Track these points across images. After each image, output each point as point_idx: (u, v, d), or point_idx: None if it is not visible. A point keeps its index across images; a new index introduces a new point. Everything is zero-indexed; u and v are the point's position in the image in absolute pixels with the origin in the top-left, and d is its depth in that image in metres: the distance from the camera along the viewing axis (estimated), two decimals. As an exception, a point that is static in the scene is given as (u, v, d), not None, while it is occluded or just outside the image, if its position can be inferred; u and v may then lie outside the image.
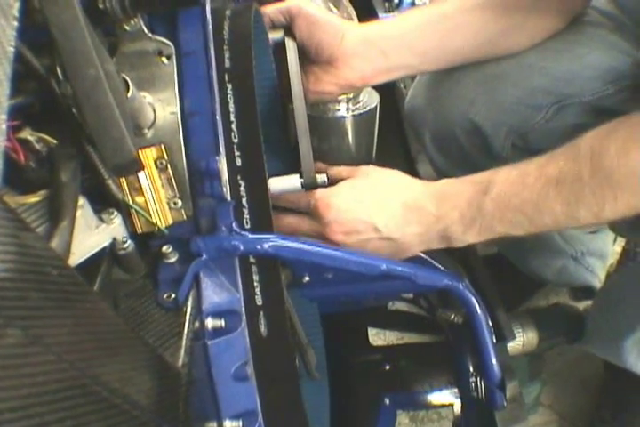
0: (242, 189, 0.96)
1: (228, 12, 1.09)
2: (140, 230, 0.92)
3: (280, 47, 1.26)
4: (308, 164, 1.14)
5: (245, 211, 0.96)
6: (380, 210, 1.13)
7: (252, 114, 1.00)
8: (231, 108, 0.99)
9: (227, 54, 1.03)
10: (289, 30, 1.26)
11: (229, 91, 1.00)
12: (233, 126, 0.98)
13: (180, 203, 0.93)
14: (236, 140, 0.98)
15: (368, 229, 1.12)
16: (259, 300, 0.93)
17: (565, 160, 1.03)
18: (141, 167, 0.80)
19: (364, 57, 1.31)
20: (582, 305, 2.08)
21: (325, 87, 1.31)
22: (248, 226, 0.95)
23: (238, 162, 0.97)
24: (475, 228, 1.09)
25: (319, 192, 1.14)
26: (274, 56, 1.28)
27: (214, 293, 0.90)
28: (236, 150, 0.97)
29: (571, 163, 1.02)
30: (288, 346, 0.95)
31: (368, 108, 1.36)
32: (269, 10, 1.26)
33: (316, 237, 1.12)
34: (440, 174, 1.58)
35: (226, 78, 1.01)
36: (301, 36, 1.27)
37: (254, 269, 0.95)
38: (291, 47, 1.24)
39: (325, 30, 1.27)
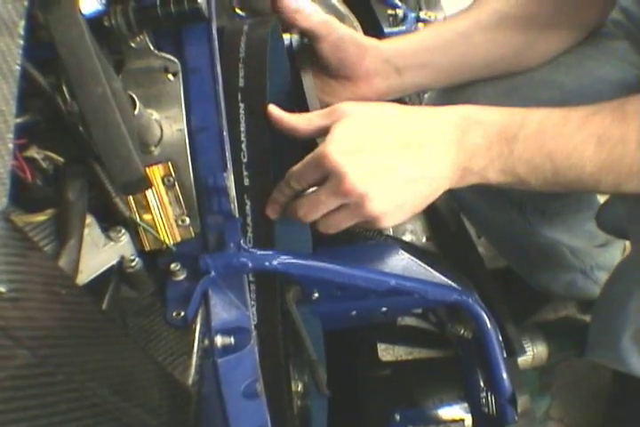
0: (247, 208, 0.96)
1: (245, 28, 1.09)
2: (147, 248, 0.92)
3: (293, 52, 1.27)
4: None
5: (249, 229, 0.96)
6: (401, 147, 0.97)
7: (262, 135, 1.00)
8: (242, 127, 0.99)
9: (241, 73, 1.03)
10: (307, 46, 1.26)
11: (242, 110, 1.00)
12: (243, 146, 0.98)
13: (187, 220, 0.93)
14: (245, 160, 0.98)
15: (391, 165, 0.96)
16: (253, 319, 0.93)
17: (612, 120, 0.99)
18: (150, 185, 0.80)
19: (383, 76, 1.31)
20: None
21: (338, 100, 1.29)
22: (250, 245, 0.95)
23: (246, 182, 0.97)
24: (498, 163, 1.00)
25: (318, 150, 0.95)
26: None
27: (223, 310, 0.90)
28: (244, 170, 0.97)
29: (617, 126, 0.98)
30: (278, 367, 0.94)
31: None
32: (307, 19, 1.23)
33: (340, 201, 0.96)
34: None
35: (239, 98, 1.01)
36: (324, 53, 1.26)
37: (252, 287, 0.94)
38: (307, 79, 1.24)
39: (348, 49, 1.26)
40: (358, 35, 1.30)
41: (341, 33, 1.25)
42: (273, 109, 1.03)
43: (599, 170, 1.00)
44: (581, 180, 1.02)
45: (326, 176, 0.95)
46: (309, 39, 1.26)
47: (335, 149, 0.93)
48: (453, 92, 1.47)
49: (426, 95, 1.90)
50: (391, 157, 0.97)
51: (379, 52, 1.30)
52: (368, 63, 1.29)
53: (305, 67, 1.26)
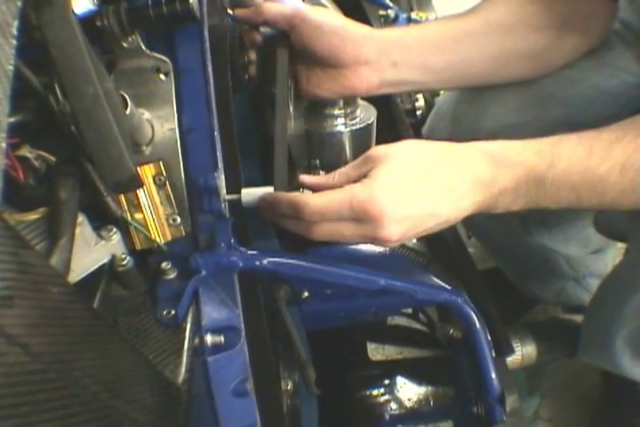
0: None
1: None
2: (138, 247, 0.92)
3: (271, 44, 1.24)
4: (280, 173, 1.03)
5: None
6: (440, 194, 0.98)
7: (229, 128, 1.02)
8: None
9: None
10: (284, 37, 1.21)
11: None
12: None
13: (178, 219, 0.94)
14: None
15: (431, 218, 0.98)
16: None
17: (636, 147, 0.98)
18: (141, 184, 0.80)
19: (375, 67, 1.25)
20: (580, 318, 2.07)
21: (325, 92, 1.25)
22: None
23: None
24: (524, 200, 1.02)
25: (358, 193, 0.93)
26: (265, 51, 1.27)
27: (214, 309, 0.90)
28: None
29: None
30: (266, 367, 0.95)
31: (365, 123, 1.35)
32: (269, 14, 1.19)
33: (361, 242, 0.99)
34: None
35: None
36: (304, 43, 1.20)
37: None
38: (281, 54, 1.21)
39: (329, 37, 1.20)
40: (345, 22, 1.24)
41: (319, 20, 1.19)
42: (305, 178, 1.01)
43: (620, 195, 1.00)
44: (602, 204, 1.02)
45: (358, 217, 0.94)
46: (286, 29, 1.20)
47: (384, 200, 0.92)
48: (462, 109, 1.46)
49: (418, 98, 1.90)
50: (429, 206, 0.97)
51: (372, 41, 1.24)
52: (357, 51, 1.22)
53: (282, 44, 1.21)
